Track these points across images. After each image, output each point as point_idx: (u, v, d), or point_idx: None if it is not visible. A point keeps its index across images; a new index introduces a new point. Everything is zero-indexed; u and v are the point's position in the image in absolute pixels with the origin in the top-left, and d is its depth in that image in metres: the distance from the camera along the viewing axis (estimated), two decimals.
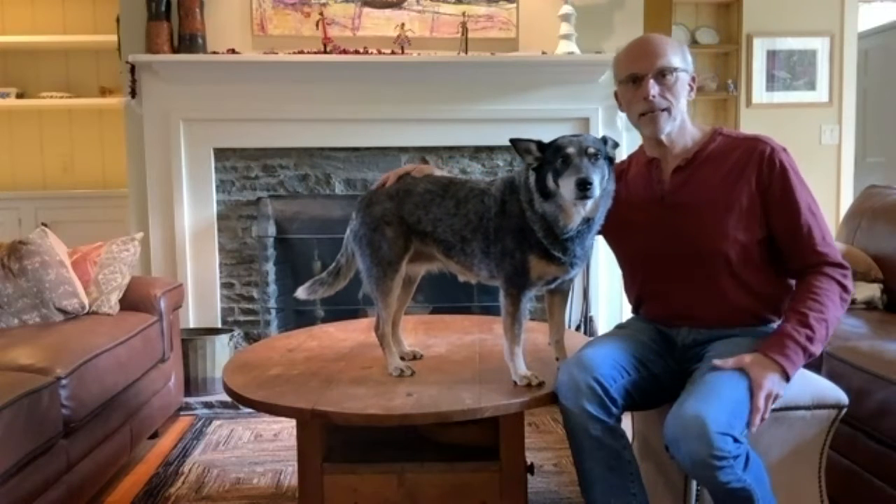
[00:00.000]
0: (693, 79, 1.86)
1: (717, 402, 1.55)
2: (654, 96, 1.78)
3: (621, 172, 1.95)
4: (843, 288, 1.73)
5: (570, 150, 1.66)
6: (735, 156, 1.80)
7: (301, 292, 2.07)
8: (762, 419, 1.60)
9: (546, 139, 1.74)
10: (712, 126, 1.92)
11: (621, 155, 3.67)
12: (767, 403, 1.60)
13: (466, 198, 1.85)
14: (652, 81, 1.79)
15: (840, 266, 1.74)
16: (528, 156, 1.72)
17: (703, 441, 1.49)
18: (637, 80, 1.81)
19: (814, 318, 1.67)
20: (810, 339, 1.65)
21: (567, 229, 1.72)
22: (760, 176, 1.76)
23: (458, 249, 1.87)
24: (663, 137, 1.84)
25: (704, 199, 1.80)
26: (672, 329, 1.89)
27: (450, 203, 1.86)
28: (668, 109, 1.80)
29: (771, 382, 1.60)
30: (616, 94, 1.92)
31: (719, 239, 1.77)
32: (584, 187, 1.61)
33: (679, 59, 1.81)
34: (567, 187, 1.64)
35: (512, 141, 1.73)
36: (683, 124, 1.86)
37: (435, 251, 1.91)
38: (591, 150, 1.66)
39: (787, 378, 1.63)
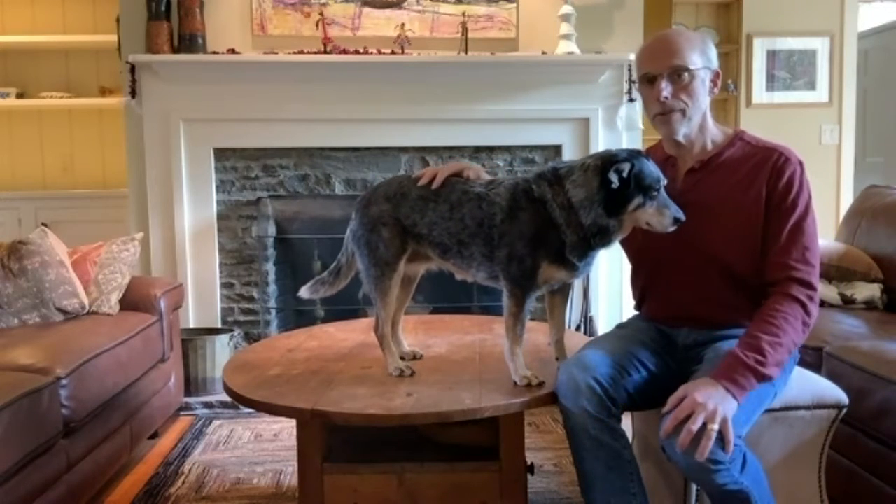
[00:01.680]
0: (717, 75, 1.82)
1: None
2: (666, 97, 1.76)
3: None
4: (806, 310, 1.67)
5: (655, 184, 1.70)
6: (751, 164, 1.78)
7: (304, 292, 2.08)
8: (705, 439, 1.47)
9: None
10: (734, 129, 1.90)
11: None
12: (700, 417, 1.48)
13: (460, 202, 1.84)
14: (665, 82, 1.76)
15: (807, 286, 1.68)
16: (616, 175, 1.67)
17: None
18: (652, 79, 1.79)
19: (766, 342, 1.61)
20: (761, 363, 1.58)
21: (613, 240, 1.76)
22: (769, 184, 1.75)
23: (454, 252, 1.86)
24: (680, 138, 1.82)
25: (715, 203, 1.78)
26: (673, 329, 1.89)
27: (443, 207, 1.85)
28: (682, 111, 1.77)
29: (704, 397, 1.52)
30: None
31: (725, 245, 1.77)
32: (678, 222, 1.70)
33: (698, 56, 1.77)
34: (661, 220, 1.70)
35: (610, 162, 1.68)
36: (704, 124, 1.84)
37: (431, 253, 1.91)
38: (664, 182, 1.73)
39: (734, 398, 1.55)
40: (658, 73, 1.77)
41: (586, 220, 1.71)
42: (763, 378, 1.59)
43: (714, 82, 1.82)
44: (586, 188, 1.71)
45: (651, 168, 1.71)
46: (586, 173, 1.72)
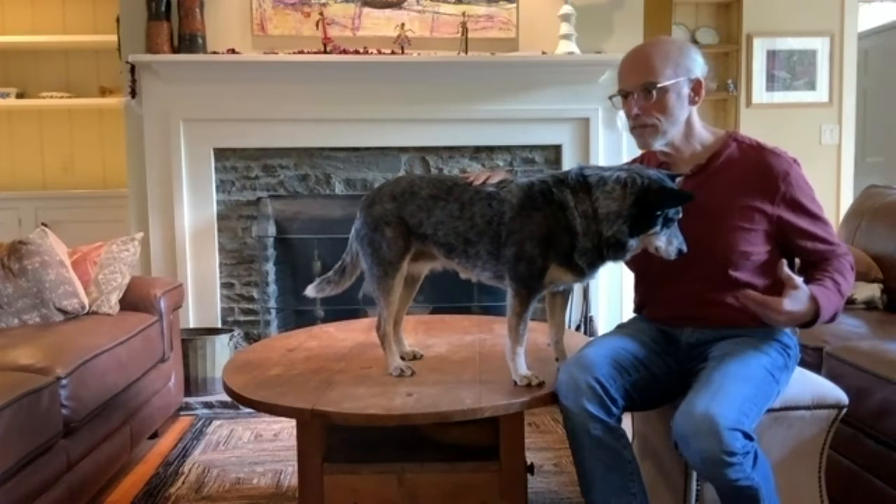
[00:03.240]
0: (698, 83, 1.82)
1: (726, 398, 1.56)
2: (637, 114, 1.79)
3: None
4: (853, 269, 1.79)
5: (675, 216, 1.72)
6: (749, 166, 1.80)
7: (310, 290, 2.09)
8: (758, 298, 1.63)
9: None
10: (726, 130, 1.91)
11: (620, 157, 3.72)
12: (774, 320, 1.64)
13: (472, 200, 1.84)
14: (636, 98, 1.79)
15: (846, 254, 1.81)
16: (669, 203, 1.69)
17: (713, 438, 1.49)
18: (625, 95, 1.83)
19: (844, 286, 1.74)
20: (836, 303, 1.71)
21: (626, 257, 1.77)
22: (776, 192, 1.76)
23: (459, 251, 1.86)
24: (656, 148, 1.85)
25: (715, 207, 1.79)
26: (676, 328, 1.89)
27: (454, 206, 1.85)
28: (654, 126, 1.79)
29: (791, 305, 1.62)
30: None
31: (727, 248, 1.78)
32: (680, 253, 1.73)
33: (672, 69, 1.78)
34: (668, 248, 1.72)
35: (659, 193, 1.68)
36: (689, 132, 1.85)
37: (435, 251, 1.91)
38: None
39: (814, 316, 1.66)
40: (630, 90, 1.81)
41: (607, 231, 1.70)
42: (834, 312, 1.71)
43: (696, 91, 1.82)
44: (619, 203, 1.69)
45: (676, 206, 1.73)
46: (624, 189, 1.69)
